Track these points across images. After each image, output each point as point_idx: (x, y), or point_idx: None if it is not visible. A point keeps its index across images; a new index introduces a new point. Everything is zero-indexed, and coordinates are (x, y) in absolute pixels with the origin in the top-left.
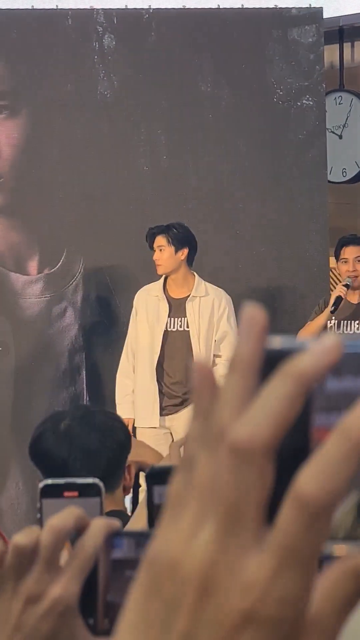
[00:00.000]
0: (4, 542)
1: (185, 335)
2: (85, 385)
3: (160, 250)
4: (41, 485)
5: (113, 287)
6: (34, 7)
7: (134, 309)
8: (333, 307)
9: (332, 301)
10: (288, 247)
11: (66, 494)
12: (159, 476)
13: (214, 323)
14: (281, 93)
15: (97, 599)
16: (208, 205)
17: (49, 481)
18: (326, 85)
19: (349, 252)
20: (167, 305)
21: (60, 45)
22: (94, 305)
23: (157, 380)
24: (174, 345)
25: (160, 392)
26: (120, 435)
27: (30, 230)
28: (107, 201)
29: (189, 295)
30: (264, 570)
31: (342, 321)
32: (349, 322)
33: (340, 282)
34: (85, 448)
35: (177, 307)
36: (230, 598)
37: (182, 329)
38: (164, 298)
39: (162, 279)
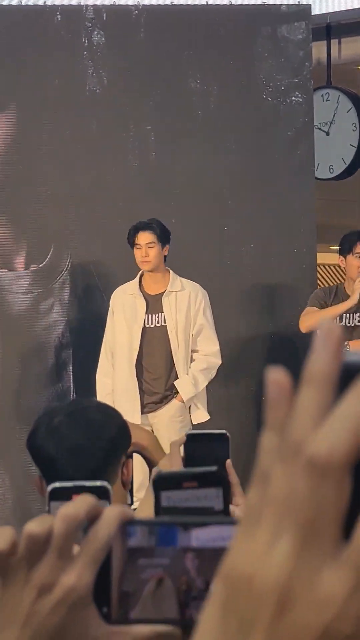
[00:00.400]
0: None
1: (163, 330)
2: (72, 382)
3: (150, 247)
4: (50, 488)
5: (100, 283)
6: (23, 3)
7: (110, 309)
8: None
9: (356, 296)
10: (276, 244)
11: (75, 497)
12: (166, 481)
13: (191, 317)
14: (270, 90)
15: (111, 588)
16: (196, 202)
17: (57, 484)
18: (313, 82)
19: None
20: (144, 301)
21: (49, 41)
22: (81, 301)
23: (137, 377)
24: (153, 342)
25: (141, 389)
26: (113, 432)
27: (17, 226)
28: (95, 197)
29: (165, 291)
30: (342, 587)
31: (344, 314)
32: (351, 314)
33: (342, 275)
34: (72, 446)
35: (153, 303)
36: (307, 614)
37: (159, 324)
38: (140, 295)
39: (137, 277)
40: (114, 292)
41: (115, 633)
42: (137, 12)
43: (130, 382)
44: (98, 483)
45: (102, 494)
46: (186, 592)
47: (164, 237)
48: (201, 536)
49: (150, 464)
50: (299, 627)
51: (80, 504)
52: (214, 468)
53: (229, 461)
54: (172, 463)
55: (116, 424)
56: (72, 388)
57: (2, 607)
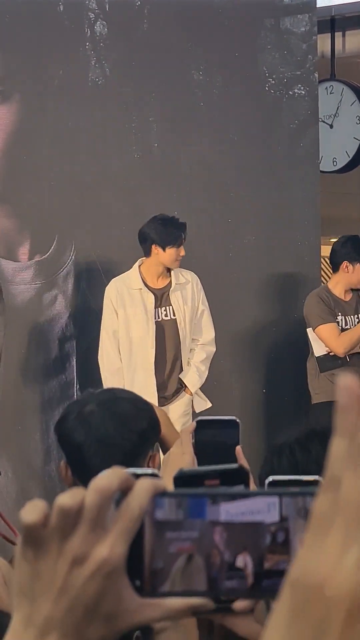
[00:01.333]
0: (10, 529)
1: (172, 323)
2: (75, 373)
3: (182, 245)
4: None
5: (104, 275)
6: None
7: (109, 301)
8: None
9: None
10: (280, 236)
11: None
12: (187, 479)
13: (196, 307)
14: (273, 82)
15: (144, 561)
16: (199, 194)
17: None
18: (317, 75)
19: None
20: (152, 296)
21: (52, 31)
22: (85, 292)
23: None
24: (163, 336)
25: (157, 385)
26: (143, 424)
27: (21, 217)
28: (98, 188)
29: (169, 284)
30: None
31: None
32: (350, 317)
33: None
34: (101, 436)
35: (160, 297)
36: None
37: (167, 318)
38: (147, 290)
39: (137, 270)
40: (113, 284)
41: (148, 605)
42: (140, 2)
43: (149, 379)
44: (149, 471)
45: None
46: (217, 566)
47: None
48: (230, 510)
49: (165, 448)
50: None
51: (113, 475)
52: (236, 465)
53: (239, 447)
54: (184, 450)
55: (147, 417)
56: (75, 380)
57: (36, 578)
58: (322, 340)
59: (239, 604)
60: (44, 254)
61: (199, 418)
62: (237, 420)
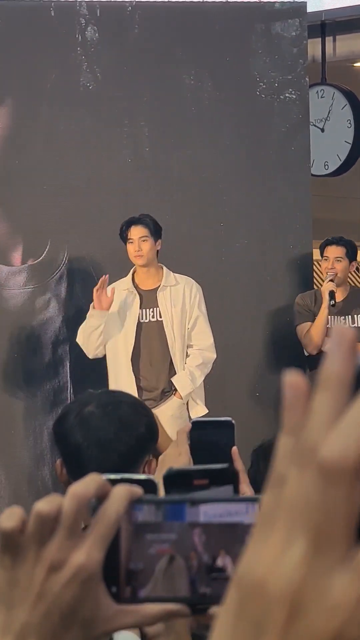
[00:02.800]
0: None
1: (159, 325)
2: (69, 377)
3: (144, 240)
4: None
5: (97, 279)
6: None
7: None
8: (332, 302)
9: (326, 297)
10: (271, 240)
11: None
12: (176, 478)
13: (187, 311)
14: (264, 86)
15: (120, 567)
16: (191, 197)
17: (106, 476)
18: (308, 79)
19: (331, 251)
20: (138, 296)
21: (43, 36)
22: (79, 296)
23: (134, 374)
24: (148, 337)
25: (139, 386)
26: (141, 429)
27: (13, 221)
28: (90, 192)
29: (159, 286)
30: (353, 592)
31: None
32: (335, 317)
33: (322, 278)
34: (100, 438)
35: (147, 298)
36: (318, 619)
37: (154, 319)
38: (134, 290)
39: (130, 273)
40: (109, 288)
41: (124, 612)
42: (131, 8)
43: (127, 378)
44: (143, 476)
45: (150, 487)
46: (195, 568)
47: (156, 231)
48: (209, 511)
49: (159, 454)
50: (311, 632)
51: (89, 482)
52: (225, 465)
53: (234, 448)
54: (180, 451)
55: (146, 422)
56: (68, 384)
57: (13, 585)
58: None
59: (215, 610)
60: (37, 257)
61: (195, 419)
62: (232, 421)
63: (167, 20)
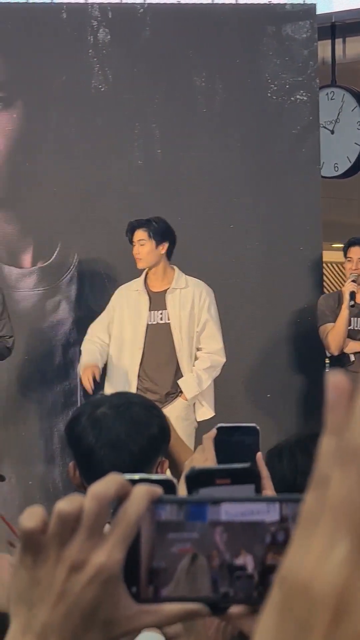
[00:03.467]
0: (15, 535)
1: (166, 328)
2: (79, 380)
3: (141, 244)
4: None
5: (108, 281)
6: (29, 1)
7: (110, 304)
8: (352, 302)
9: (347, 297)
10: (281, 242)
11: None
12: (199, 477)
13: (195, 314)
14: (275, 88)
15: (140, 567)
16: (202, 199)
17: (128, 476)
18: (318, 81)
19: (354, 252)
20: (147, 297)
21: (55, 38)
22: (89, 298)
23: (139, 376)
24: (155, 339)
25: (144, 387)
26: (154, 431)
27: (24, 223)
28: (101, 194)
29: (168, 288)
30: None
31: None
32: (356, 318)
33: (345, 278)
34: (112, 439)
35: (156, 300)
36: None
37: (162, 321)
38: (144, 291)
39: (143, 274)
40: (118, 289)
41: (145, 612)
42: (142, 10)
43: (133, 380)
44: (162, 477)
45: (169, 488)
46: (217, 567)
47: (159, 234)
48: (230, 510)
49: (170, 456)
50: (357, 633)
51: (110, 482)
52: (247, 464)
53: (259, 454)
54: (206, 456)
55: (158, 423)
56: (78, 386)
57: (34, 585)
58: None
59: (234, 609)
60: (47, 260)
61: (220, 425)
62: (257, 427)
63: (178, 22)
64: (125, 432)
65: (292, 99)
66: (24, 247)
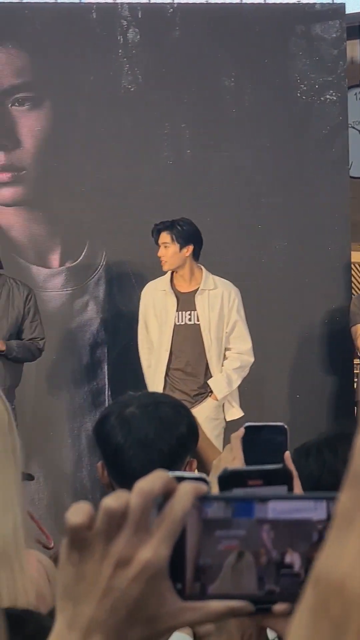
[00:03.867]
0: (46, 537)
1: (195, 329)
2: (107, 380)
3: (165, 247)
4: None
5: (135, 281)
6: (58, 1)
7: (141, 305)
8: None
9: None
10: (310, 242)
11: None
12: (231, 478)
13: (225, 315)
14: (304, 88)
15: (185, 563)
16: (230, 200)
17: (172, 473)
18: (347, 81)
19: None
20: (175, 298)
21: (84, 38)
22: (117, 298)
23: (168, 375)
24: (184, 339)
25: (173, 387)
26: (183, 430)
27: (52, 223)
28: (129, 194)
29: (197, 289)
30: None
31: None
32: None
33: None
34: (141, 438)
35: (185, 301)
36: None
37: (191, 322)
38: (172, 292)
39: (168, 273)
40: (145, 287)
41: (189, 608)
42: (172, 10)
43: (161, 381)
44: (197, 475)
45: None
46: (264, 564)
47: (184, 237)
48: (278, 508)
49: (198, 456)
50: None
51: (156, 479)
52: (279, 465)
53: (287, 453)
54: (234, 455)
55: (187, 422)
56: (106, 386)
57: (80, 580)
58: None
59: (279, 607)
60: (75, 260)
61: (248, 424)
62: (285, 426)
63: (207, 22)
64: (155, 432)
65: (321, 98)
66: (52, 247)
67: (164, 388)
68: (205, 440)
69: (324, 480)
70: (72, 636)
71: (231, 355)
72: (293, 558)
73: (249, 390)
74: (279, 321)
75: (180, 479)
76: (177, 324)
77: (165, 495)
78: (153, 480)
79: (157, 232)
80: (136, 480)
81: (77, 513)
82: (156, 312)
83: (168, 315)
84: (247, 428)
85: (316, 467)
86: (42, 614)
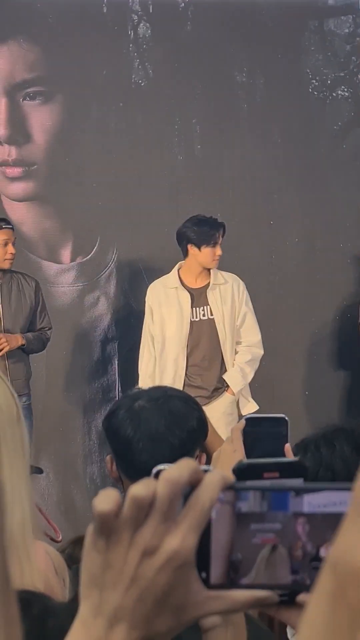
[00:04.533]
0: (54, 530)
1: (210, 323)
2: (117, 376)
3: (219, 245)
4: (154, 470)
5: (146, 276)
6: None
7: (147, 306)
8: None
9: None
10: (322, 238)
11: None
12: (246, 471)
13: (236, 308)
14: (316, 84)
15: (211, 553)
16: (242, 196)
17: (162, 466)
18: None
19: None
20: (188, 294)
21: (95, 33)
22: (127, 294)
23: (186, 373)
24: (200, 335)
25: (189, 384)
26: (193, 423)
27: (63, 218)
28: (140, 190)
29: (207, 284)
30: None
31: None
32: None
33: None
34: (151, 432)
35: (197, 297)
36: None
37: (205, 317)
38: (184, 288)
39: (175, 271)
40: (151, 286)
41: (214, 598)
42: (183, 4)
43: (180, 378)
44: (205, 467)
45: None
46: (300, 558)
47: None
48: (313, 501)
49: (209, 454)
50: None
51: (183, 468)
52: (296, 458)
53: (287, 445)
54: (235, 447)
55: (197, 416)
56: (117, 382)
57: (106, 568)
58: None
59: (304, 597)
60: (86, 255)
61: (248, 415)
62: (286, 418)
63: (219, 16)
64: (165, 425)
65: (334, 94)
66: (63, 242)
67: (185, 385)
68: (213, 434)
69: (321, 476)
70: (98, 623)
71: (242, 349)
72: (328, 551)
73: (261, 386)
74: (291, 318)
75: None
76: (192, 320)
77: (192, 485)
78: (180, 469)
79: (220, 228)
80: (146, 474)
81: (105, 500)
82: (170, 310)
83: (183, 311)
84: (247, 420)
85: (313, 463)
86: (46, 595)
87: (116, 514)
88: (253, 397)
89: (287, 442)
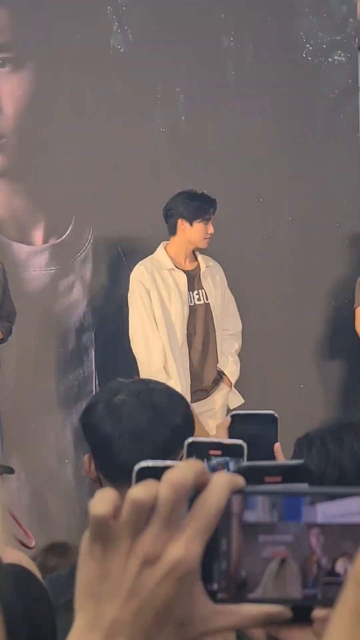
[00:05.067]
0: (25, 534)
1: (205, 308)
2: (94, 367)
3: (211, 224)
4: (137, 468)
5: (125, 260)
6: None
7: (139, 284)
8: None
9: None
10: (316, 217)
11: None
12: (247, 475)
13: (224, 293)
14: (310, 48)
15: (218, 564)
16: (229, 171)
17: (145, 463)
18: (358, 40)
19: None
20: (185, 277)
21: None
22: (105, 279)
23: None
24: (195, 321)
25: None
26: (177, 419)
27: (35, 196)
28: (119, 166)
29: (197, 267)
30: None
31: None
32: None
33: None
34: (133, 428)
35: (191, 280)
36: None
37: (200, 302)
38: (179, 270)
39: (163, 251)
40: (140, 265)
41: (222, 612)
42: None
43: (183, 369)
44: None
45: None
46: (314, 572)
47: None
48: (328, 511)
49: None
50: None
51: (188, 469)
52: (300, 461)
53: (277, 444)
54: None
55: (182, 412)
56: (94, 374)
57: (103, 578)
58: None
59: (320, 612)
60: (59, 236)
61: (234, 412)
62: (275, 414)
63: None
64: (148, 421)
65: (330, 59)
66: (35, 222)
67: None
68: (200, 431)
69: (329, 474)
70: (93, 638)
71: (229, 337)
72: (346, 565)
73: (250, 377)
74: (282, 303)
75: None
76: (189, 304)
77: (197, 488)
78: (185, 471)
79: (215, 205)
80: (126, 475)
81: (102, 502)
82: (169, 293)
83: (181, 294)
84: (233, 416)
85: (319, 460)
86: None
87: (113, 518)
88: (242, 389)
89: (276, 441)
